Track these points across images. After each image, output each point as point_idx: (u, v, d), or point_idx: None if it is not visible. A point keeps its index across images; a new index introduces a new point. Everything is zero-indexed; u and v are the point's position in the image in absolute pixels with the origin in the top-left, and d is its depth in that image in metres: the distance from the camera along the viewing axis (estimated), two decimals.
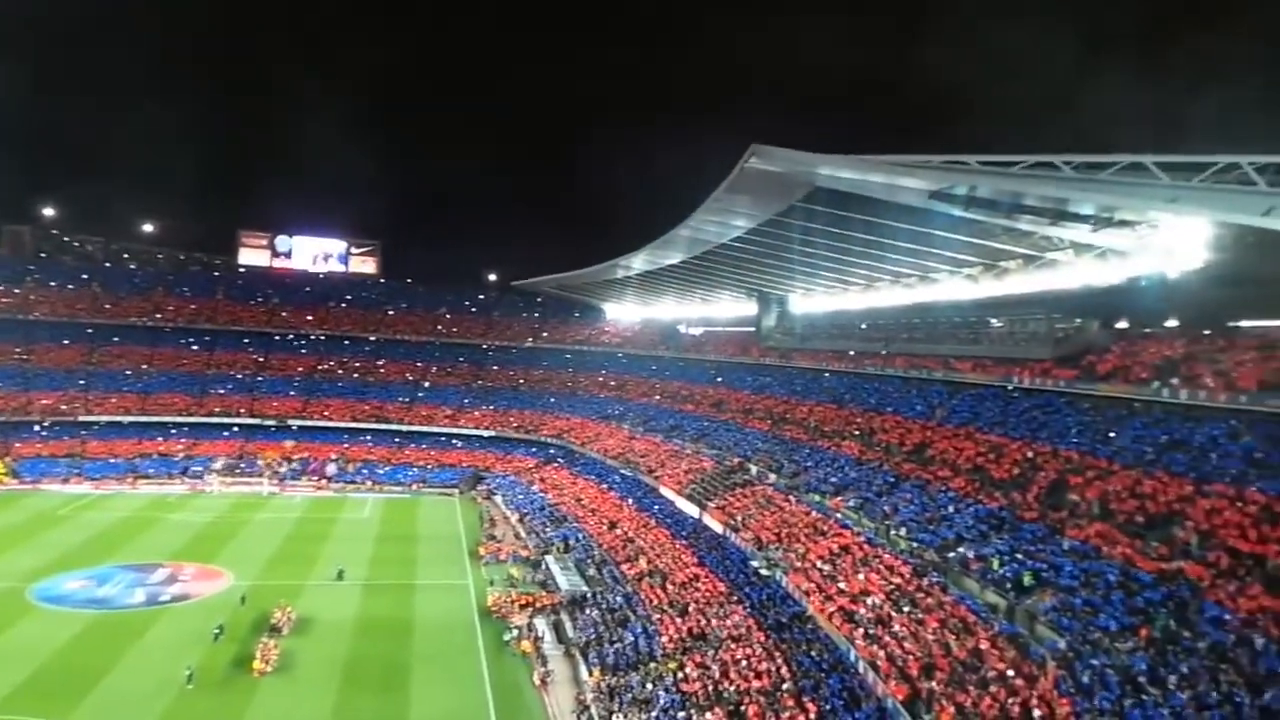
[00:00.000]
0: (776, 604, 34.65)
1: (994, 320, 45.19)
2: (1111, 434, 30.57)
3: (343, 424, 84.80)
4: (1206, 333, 32.56)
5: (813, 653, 29.65)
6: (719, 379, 73.28)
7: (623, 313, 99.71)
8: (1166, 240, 27.66)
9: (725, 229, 47.70)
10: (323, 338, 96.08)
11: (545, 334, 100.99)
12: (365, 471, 78.40)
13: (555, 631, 40.04)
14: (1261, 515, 21.55)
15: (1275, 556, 19.92)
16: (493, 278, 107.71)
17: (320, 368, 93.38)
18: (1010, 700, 19.97)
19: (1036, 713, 19.08)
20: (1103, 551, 24.17)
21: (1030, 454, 32.39)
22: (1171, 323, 36.18)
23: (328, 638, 37.64)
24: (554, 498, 66.22)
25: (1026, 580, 24.85)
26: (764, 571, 35.95)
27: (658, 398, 79.27)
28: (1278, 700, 15.73)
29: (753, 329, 70.61)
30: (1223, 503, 22.89)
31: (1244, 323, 32.44)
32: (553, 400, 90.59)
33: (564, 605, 42.89)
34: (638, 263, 64.99)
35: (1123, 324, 37.73)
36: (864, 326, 57.66)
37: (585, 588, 44.83)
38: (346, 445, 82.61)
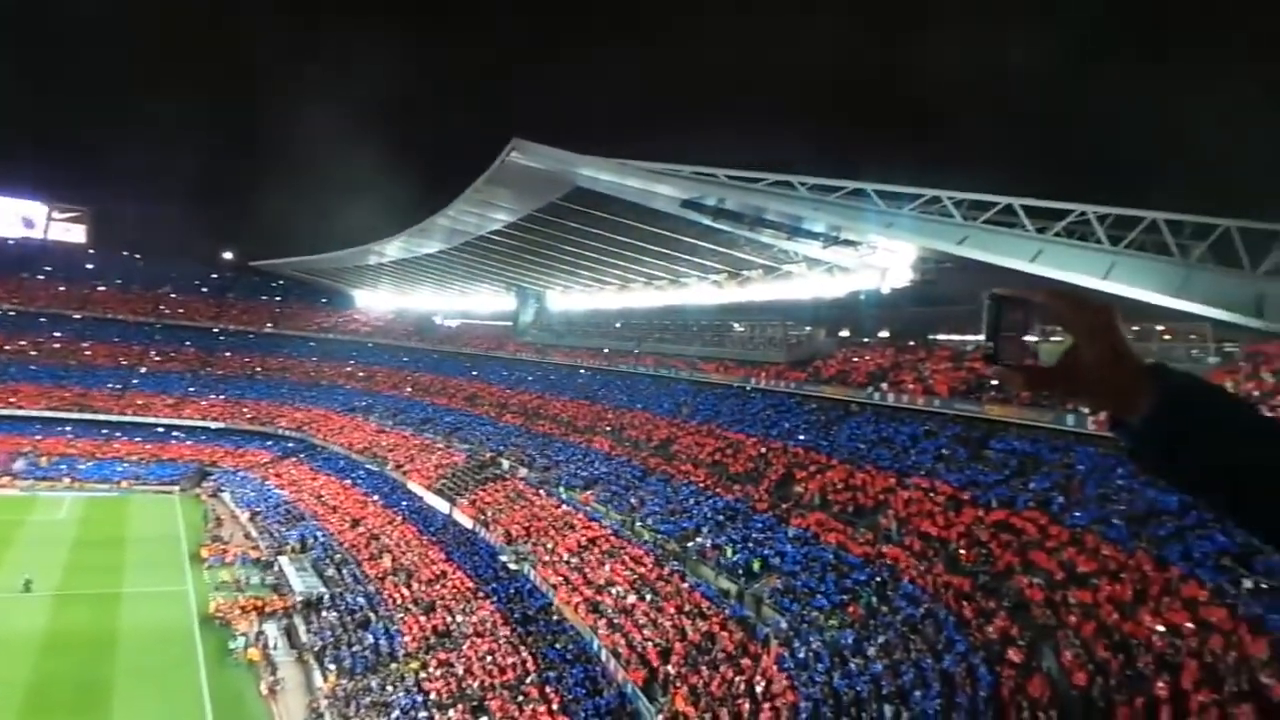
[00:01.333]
0: (524, 598, 34.76)
1: (737, 325, 48.34)
2: (832, 432, 33.79)
3: (36, 412, 73.83)
4: (911, 344, 36.90)
5: (558, 645, 30.05)
6: (474, 373, 72.28)
7: (375, 300, 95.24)
8: (882, 260, 30.96)
9: (485, 221, 47.11)
10: (12, 313, 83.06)
11: (287, 319, 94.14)
12: (63, 467, 68.76)
13: (288, 637, 37.44)
14: (948, 504, 24.76)
15: (955, 539, 22.95)
16: (229, 255, 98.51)
17: (7, 347, 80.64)
18: (737, 678, 21.44)
19: (759, 688, 20.63)
20: (820, 538, 26.62)
21: (764, 450, 34.97)
22: (883, 334, 40.71)
23: (7, 658, 32.57)
24: (291, 494, 61.90)
25: (756, 566, 26.81)
26: (513, 566, 35.93)
27: (409, 390, 76.70)
28: (954, 664, 18.13)
29: (510, 323, 70.37)
30: (918, 493, 26.05)
31: (940, 336, 37.18)
32: (293, 390, 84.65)
33: (298, 608, 40.22)
34: (393, 249, 62.47)
35: (845, 333, 41.85)
36: (618, 325, 59.44)
37: (323, 589, 42.34)
38: (40, 437, 71.98)
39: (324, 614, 39.04)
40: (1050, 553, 20.29)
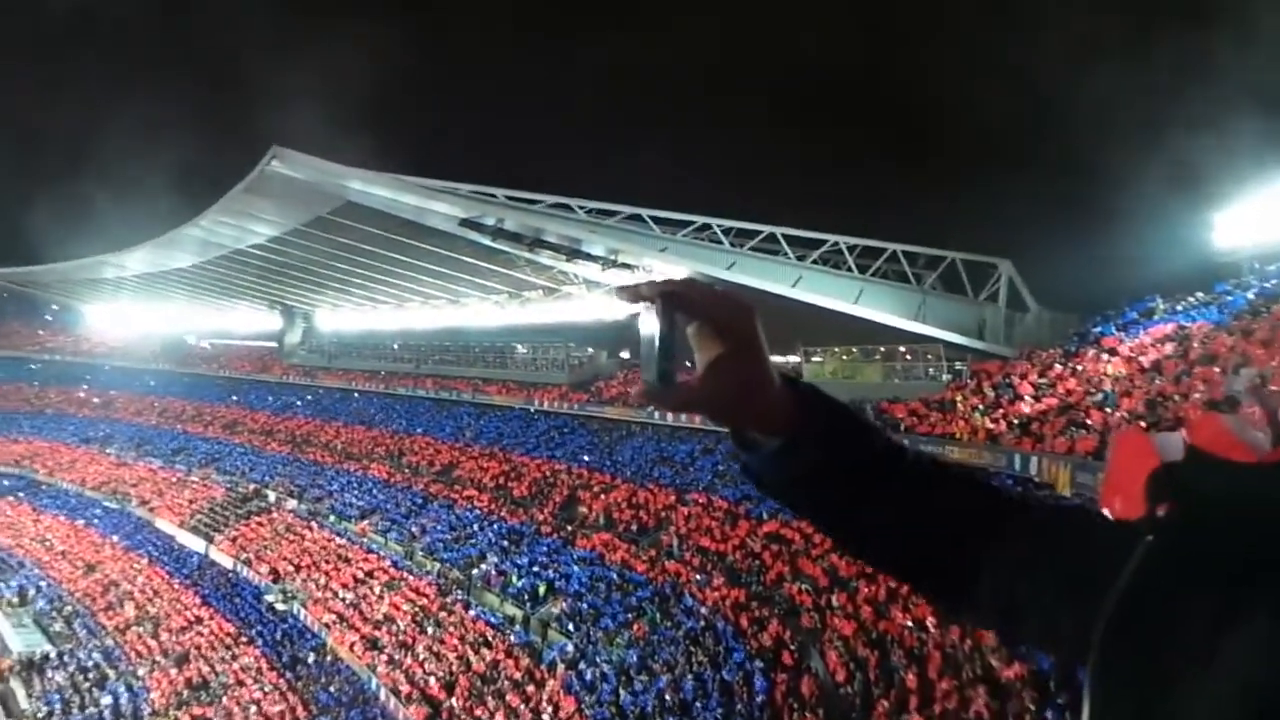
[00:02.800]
0: (294, 640, 32.34)
1: (519, 346, 48.11)
2: (615, 452, 34.44)
3: None
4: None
5: (332, 687, 28.21)
6: (234, 397, 66.53)
7: (112, 317, 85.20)
8: None
9: (244, 234, 43.77)
10: None
11: (3, 337, 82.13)
12: None
13: (3, 705, 32.39)
14: (725, 518, 25.95)
15: (733, 552, 24.08)
16: None
17: None
18: (522, 706, 21.16)
19: (546, 714, 20.48)
20: (606, 558, 26.96)
21: (548, 472, 34.96)
22: None
23: None
24: (8, 539, 53.79)
25: (542, 590, 26.66)
26: (280, 606, 33.36)
27: (156, 418, 69.19)
28: (732, 673, 18.95)
29: (275, 344, 65.68)
30: (698, 509, 27.12)
31: None
32: (9, 420, 73.80)
33: (17, 671, 34.94)
34: (135, 262, 56.40)
35: (625, 354, 42.87)
36: (396, 347, 57.20)
37: (48, 646, 37.10)
38: None
39: (50, 675, 34.22)
40: (815, 560, 21.78)
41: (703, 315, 0.88)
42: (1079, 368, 20.91)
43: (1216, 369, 16.60)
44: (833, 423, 0.97)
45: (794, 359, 32.79)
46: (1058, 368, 21.52)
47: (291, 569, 35.13)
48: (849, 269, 28.34)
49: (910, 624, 17.65)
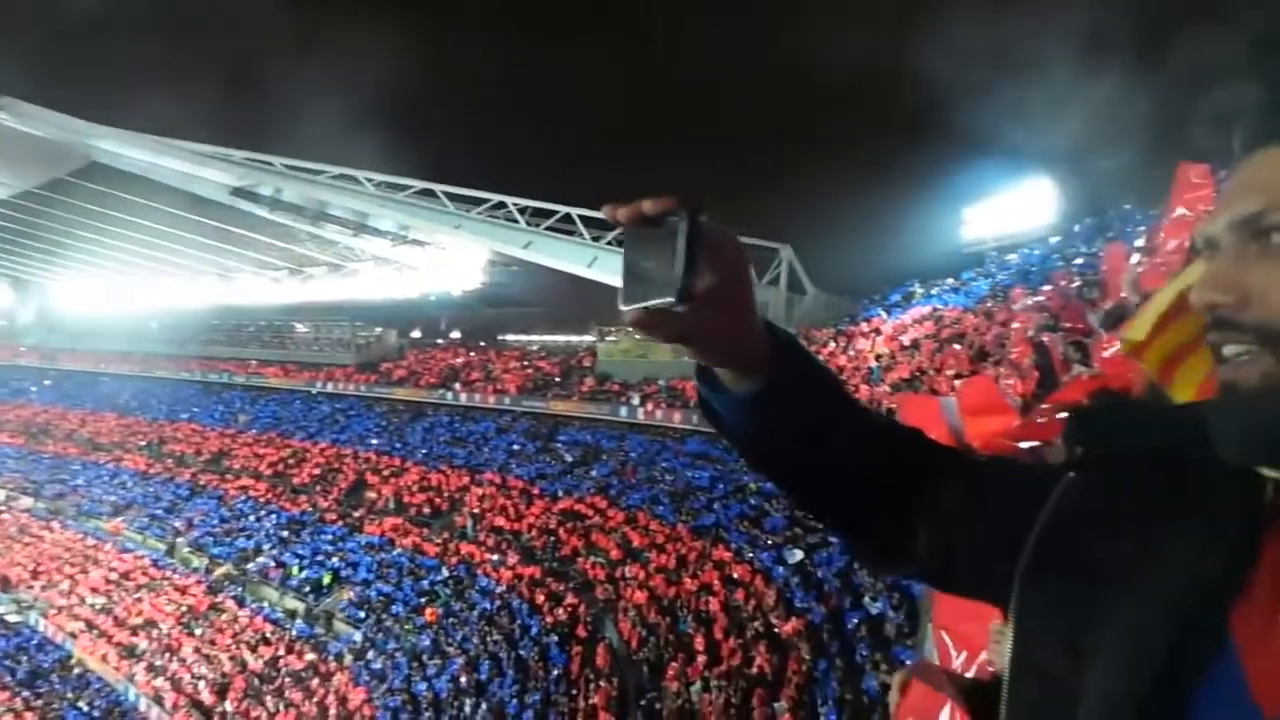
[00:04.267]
0: (30, 654, 28.60)
1: (300, 325, 45.19)
2: (405, 434, 33.25)
3: None
4: (482, 344, 37.87)
5: (80, 703, 25.24)
6: None
7: None
8: (453, 261, 31.24)
9: None
10: None
11: None
12: None
13: None
14: (520, 497, 25.80)
15: (528, 530, 24.01)
16: None
17: None
18: (306, 702, 20.00)
19: (333, 708, 19.48)
20: (396, 543, 26.00)
21: (332, 457, 33.16)
22: (455, 335, 41.19)
23: None
24: None
25: (326, 580, 25.28)
26: (12, 618, 29.38)
27: None
28: (529, 649, 18.92)
29: (3, 323, 57.57)
30: (492, 489, 26.76)
31: (509, 337, 38.71)
32: None
33: None
34: None
35: (416, 334, 41.49)
36: (156, 326, 51.84)
37: None
38: None
39: None
40: (609, 533, 22.19)
41: (712, 238, 0.81)
42: (850, 346, 22.67)
43: (960, 346, 18.56)
44: (807, 373, 0.94)
45: (589, 338, 33.17)
46: (831, 346, 23.19)
47: (27, 575, 31.05)
48: None
49: (698, 589, 18.41)
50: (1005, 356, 13.66)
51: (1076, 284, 13.56)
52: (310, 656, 22.13)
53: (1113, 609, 0.71)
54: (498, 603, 21.40)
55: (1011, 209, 23.46)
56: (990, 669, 2.46)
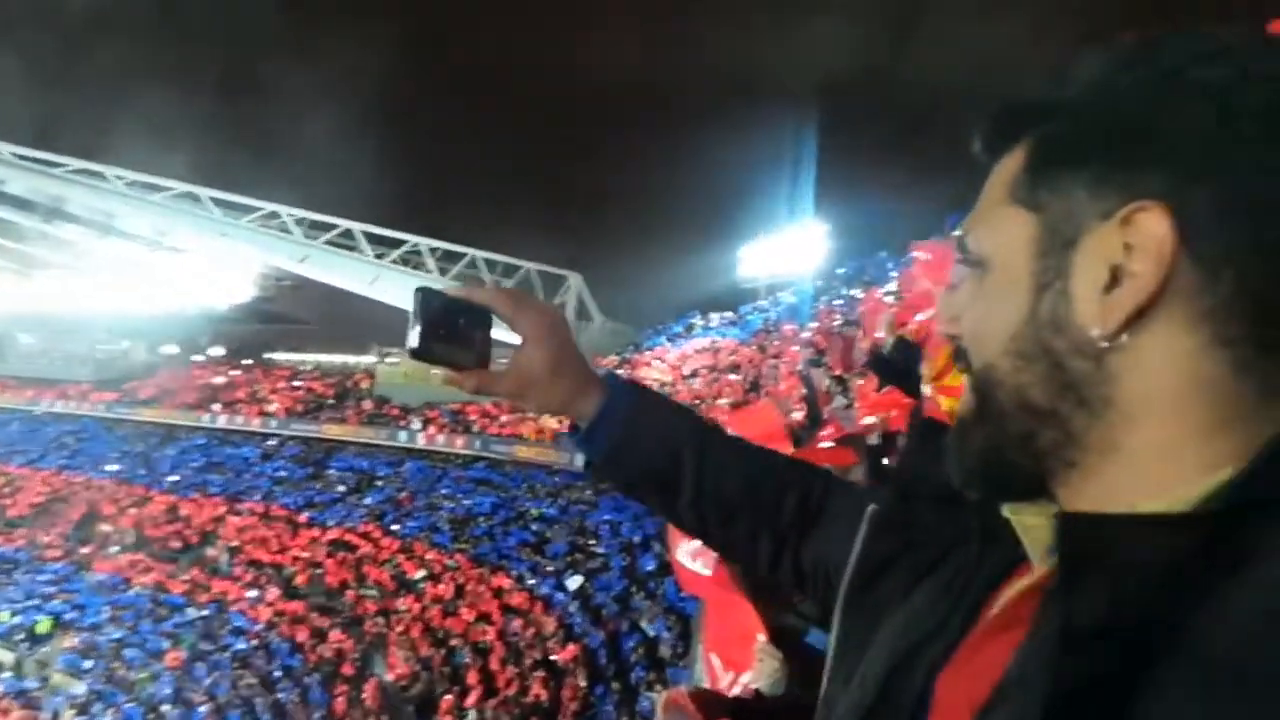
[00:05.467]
0: None
1: (24, 336, 39.60)
2: (152, 460, 29.97)
3: None
4: (247, 362, 35.04)
5: None
6: None
7: None
8: (217, 272, 28.84)
9: None
10: None
11: None
12: None
13: None
14: (285, 527, 23.98)
15: (292, 564, 22.33)
16: None
17: None
18: None
19: None
20: (134, 581, 23.26)
21: (58, 485, 29.21)
22: (217, 351, 37.81)
23: None
24: None
25: (44, 627, 22.08)
26: None
27: None
28: (287, 691, 17.51)
29: None
30: (253, 519, 24.67)
31: (279, 355, 36.13)
32: None
33: None
34: None
35: (172, 349, 37.67)
36: None
37: None
38: None
39: None
40: (382, 564, 21.13)
41: (505, 320, 0.92)
42: (632, 374, 23.21)
43: (735, 377, 19.57)
44: (636, 403, 0.98)
45: (368, 359, 31.69)
46: None
47: None
48: (428, 271, 28.23)
49: (475, 619, 17.94)
50: (774, 388, 14.55)
51: (839, 322, 14.71)
52: (19, 715, 19.14)
53: (870, 653, 0.69)
54: (254, 643, 19.66)
55: (784, 249, 25.23)
56: (753, 688, 2.52)
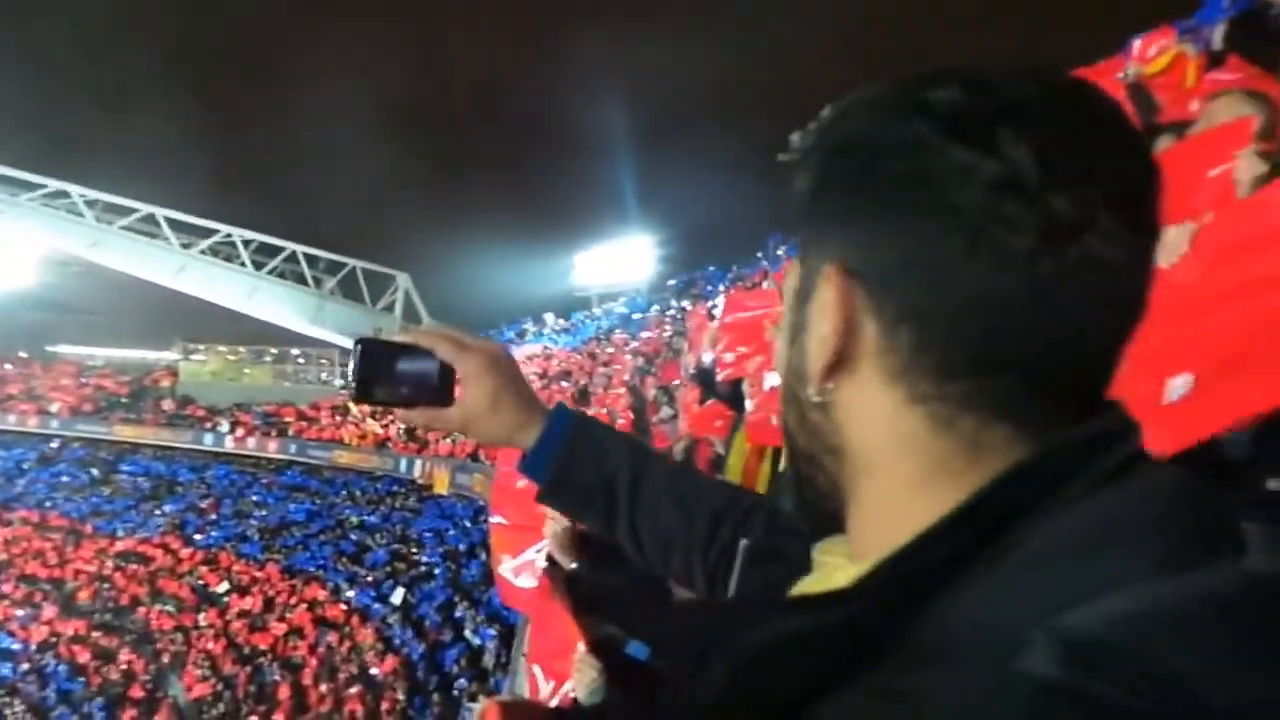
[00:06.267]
0: None
1: None
2: None
3: None
4: (24, 355, 31.44)
5: None
6: None
7: None
8: None
9: None
10: None
11: None
12: None
13: None
14: (65, 538, 21.74)
15: (74, 577, 20.28)
16: None
17: None
18: None
19: None
20: None
21: None
22: None
23: None
24: None
25: None
26: None
27: None
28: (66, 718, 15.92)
29: None
30: (26, 529, 22.21)
31: (63, 348, 32.66)
32: None
33: None
34: None
35: None
36: None
37: None
38: None
39: None
40: (181, 577, 19.63)
41: (446, 358, 0.95)
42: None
43: (566, 384, 19.68)
44: (574, 431, 1.02)
45: (171, 355, 29.31)
46: None
47: None
48: (243, 263, 26.50)
49: (286, 633, 17.02)
50: (603, 397, 14.78)
51: (669, 334, 15.17)
52: None
53: None
54: (25, 666, 17.69)
55: (618, 259, 25.66)
56: (571, 697, 2.62)
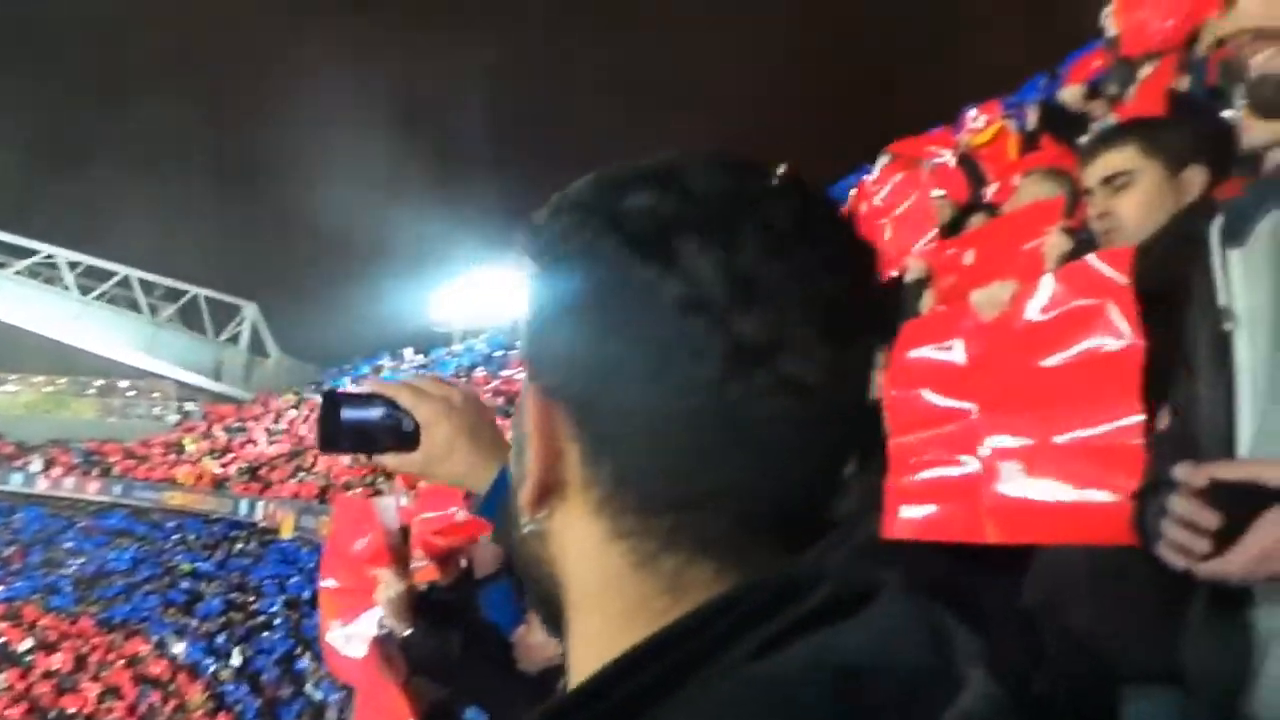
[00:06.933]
0: None
1: None
2: None
3: None
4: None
5: None
6: None
7: None
8: None
9: None
10: None
11: None
12: None
13: None
14: None
15: None
16: None
17: None
18: None
19: None
20: None
21: None
22: None
23: None
24: None
25: None
26: None
27: None
28: None
29: None
30: None
31: None
32: None
33: None
34: None
35: None
36: None
37: None
38: None
39: None
40: None
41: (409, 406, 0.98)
42: (311, 414, 21.78)
43: None
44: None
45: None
46: (293, 414, 22.05)
47: None
48: (65, 286, 24.48)
49: (101, 693, 15.61)
50: None
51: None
52: None
53: None
54: None
55: (479, 295, 25.26)
56: None
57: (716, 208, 0.42)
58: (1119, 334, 1.54)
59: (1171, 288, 1.36)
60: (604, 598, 0.45)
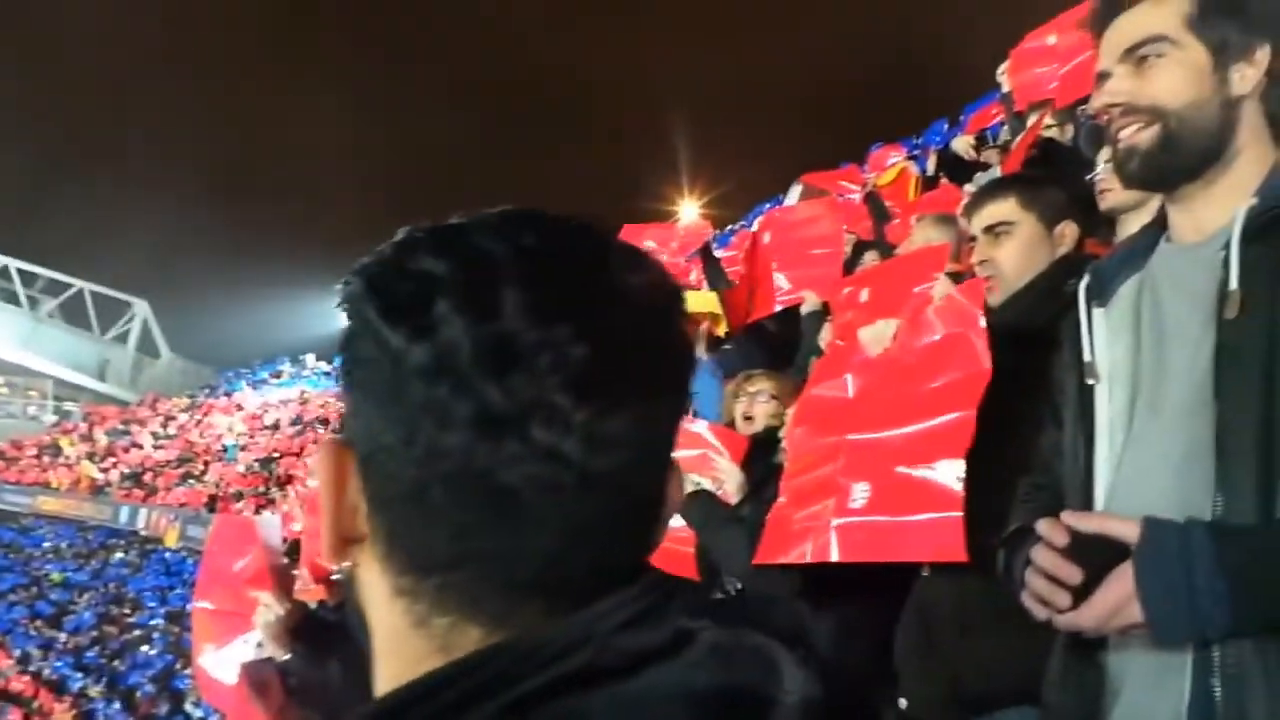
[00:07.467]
0: None
1: None
2: None
3: None
4: None
5: None
6: None
7: None
8: None
9: None
10: None
11: None
12: None
13: None
14: None
15: None
16: None
17: None
18: None
19: None
20: None
21: None
22: None
23: None
24: None
25: None
26: None
27: None
28: None
29: None
30: None
31: None
32: None
33: None
34: None
35: None
36: None
37: None
38: None
39: None
40: None
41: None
42: (204, 419, 20.89)
43: (325, 430, 18.61)
44: None
45: None
46: (182, 418, 21.11)
47: None
48: None
49: None
50: None
51: None
52: None
53: None
54: None
55: None
56: None
57: (482, 272, 0.42)
58: (973, 361, 1.65)
59: (1040, 334, 1.44)
60: (390, 652, 0.45)
